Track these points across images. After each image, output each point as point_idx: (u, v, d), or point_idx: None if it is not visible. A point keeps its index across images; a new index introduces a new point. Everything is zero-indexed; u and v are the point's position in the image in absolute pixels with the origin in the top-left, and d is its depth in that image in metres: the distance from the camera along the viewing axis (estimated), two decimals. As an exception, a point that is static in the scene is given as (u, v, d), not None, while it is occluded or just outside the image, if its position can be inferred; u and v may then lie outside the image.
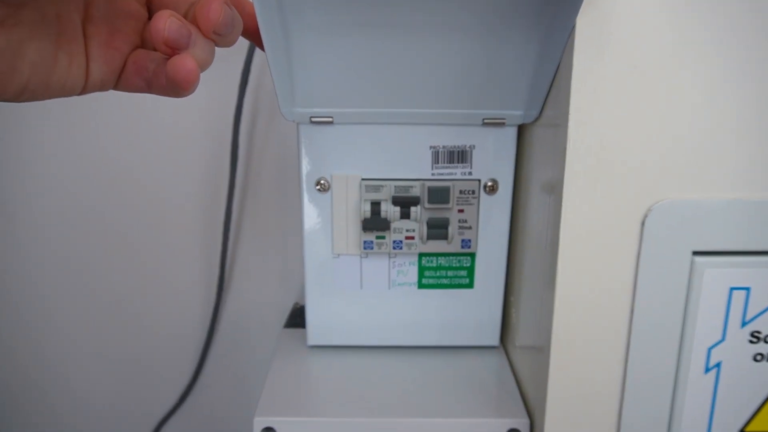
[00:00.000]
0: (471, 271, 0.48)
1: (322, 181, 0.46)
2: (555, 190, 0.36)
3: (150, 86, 0.31)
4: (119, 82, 0.31)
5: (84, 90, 0.30)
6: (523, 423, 0.41)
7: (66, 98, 0.29)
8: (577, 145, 0.34)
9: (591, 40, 0.33)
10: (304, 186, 0.46)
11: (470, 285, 0.48)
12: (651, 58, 0.33)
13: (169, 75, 0.28)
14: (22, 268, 0.67)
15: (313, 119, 0.43)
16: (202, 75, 0.29)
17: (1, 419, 0.73)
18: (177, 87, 0.28)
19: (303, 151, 0.45)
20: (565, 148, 0.34)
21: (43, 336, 0.70)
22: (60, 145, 0.62)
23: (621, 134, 0.34)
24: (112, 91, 0.32)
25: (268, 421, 0.42)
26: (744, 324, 0.36)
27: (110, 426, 0.73)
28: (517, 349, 0.48)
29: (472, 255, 0.47)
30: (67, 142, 0.62)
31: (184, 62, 0.27)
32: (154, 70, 0.30)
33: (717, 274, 0.35)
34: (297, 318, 0.59)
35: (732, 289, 0.35)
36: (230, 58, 0.58)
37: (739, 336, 0.36)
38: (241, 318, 0.67)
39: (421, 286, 0.48)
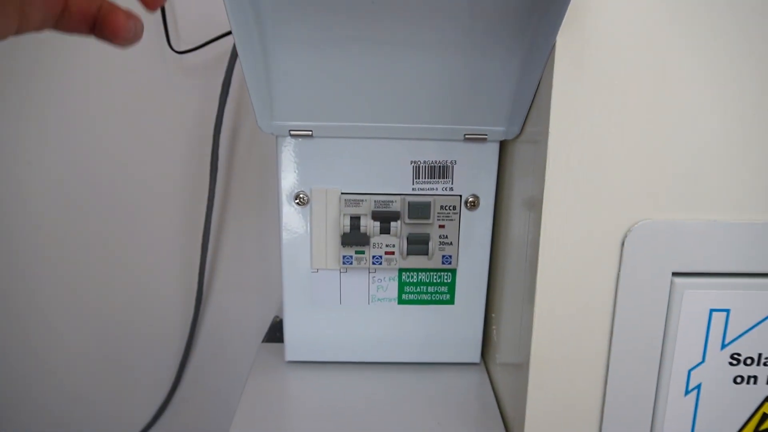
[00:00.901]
0: (452, 287, 0.47)
1: (301, 195, 0.45)
2: (535, 206, 0.36)
3: (92, 30, 0.29)
4: (59, 22, 0.28)
5: (18, 31, 0.28)
6: (501, 443, 0.41)
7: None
8: (557, 162, 0.34)
9: (571, 58, 0.32)
10: (283, 199, 0.45)
11: (451, 301, 0.48)
12: (631, 76, 0.32)
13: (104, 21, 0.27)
14: (7, 288, 0.66)
15: (292, 132, 0.42)
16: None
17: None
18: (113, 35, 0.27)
19: (282, 164, 0.44)
20: (545, 165, 0.34)
21: (14, 348, 0.68)
22: (42, 156, 0.61)
23: (601, 152, 0.33)
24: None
25: (242, 441, 0.41)
26: (724, 346, 0.35)
27: (85, 440, 0.71)
28: (497, 366, 0.47)
29: (453, 271, 0.47)
30: (48, 154, 0.61)
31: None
32: (97, 14, 0.29)
33: (697, 296, 0.35)
34: (276, 332, 0.58)
35: (712, 310, 0.35)
36: (211, 69, 0.57)
37: (719, 358, 0.36)
38: (220, 331, 0.66)
39: (401, 301, 0.48)
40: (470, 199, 0.45)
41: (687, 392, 0.36)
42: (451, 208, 0.45)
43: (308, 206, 0.45)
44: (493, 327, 0.48)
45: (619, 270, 0.35)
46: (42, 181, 0.62)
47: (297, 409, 0.44)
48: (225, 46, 0.55)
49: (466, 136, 0.43)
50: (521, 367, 0.39)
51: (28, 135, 0.60)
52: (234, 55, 0.52)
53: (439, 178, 0.44)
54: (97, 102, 0.59)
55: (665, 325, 0.35)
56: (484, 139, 0.43)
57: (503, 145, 0.44)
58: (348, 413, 0.43)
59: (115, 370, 0.68)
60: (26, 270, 0.65)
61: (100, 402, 0.70)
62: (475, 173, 0.44)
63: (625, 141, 0.33)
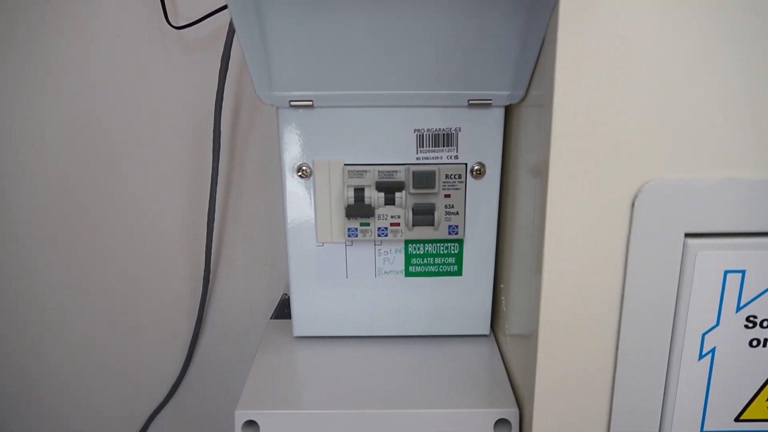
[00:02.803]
0: (459, 258, 0.47)
1: (303, 167, 0.44)
2: (541, 172, 0.35)
3: None
4: None
5: None
6: (512, 413, 0.40)
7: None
8: (563, 123, 0.33)
9: (576, 12, 0.31)
10: (286, 172, 0.44)
11: (459, 272, 0.47)
12: (638, 30, 0.31)
13: None
14: (10, 267, 0.66)
15: (292, 103, 0.42)
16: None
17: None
18: None
19: (283, 136, 0.43)
20: (550, 128, 0.33)
21: (30, 330, 0.68)
22: (40, 137, 0.61)
23: (608, 111, 0.32)
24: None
25: (250, 414, 0.40)
26: (739, 308, 0.34)
27: (101, 420, 0.72)
28: (507, 337, 0.46)
29: (460, 241, 0.46)
30: (47, 135, 0.61)
31: None
32: None
33: (710, 257, 0.33)
34: (285, 309, 0.58)
35: (726, 272, 0.34)
36: (211, 43, 0.57)
37: (734, 321, 0.35)
38: (229, 309, 0.66)
39: (408, 274, 0.47)
40: (476, 168, 0.44)
41: (701, 356, 0.35)
42: (456, 176, 0.44)
43: (311, 179, 0.44)
44: (502, 298, 0.47)
45: (630, 233, 0.34)
46: (40, 162, 0.62)
47: (305, 384, 0.44)
48: (224, 19, 0.54)
49: (470, 102, 0.42)
50: (530, 338, 0.38)
51: (26, 116, 0.60)
52: (232, 28, 0.51)
53: (443, 146, 0.43)
54: (94, 81, 0.58)
55: (678, 288, 0.34)
56: (489, 105, 0.42)
57: (508, 111, 0.43)
58: (356, 387, 0.43)
59: (127, 354, 0.69)
60: (27, 253, 0.65)
61: (112, 385, 0.70)
62: (481, 140, 0.43)
63: (634, 97, 0.32)
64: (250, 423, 0.41)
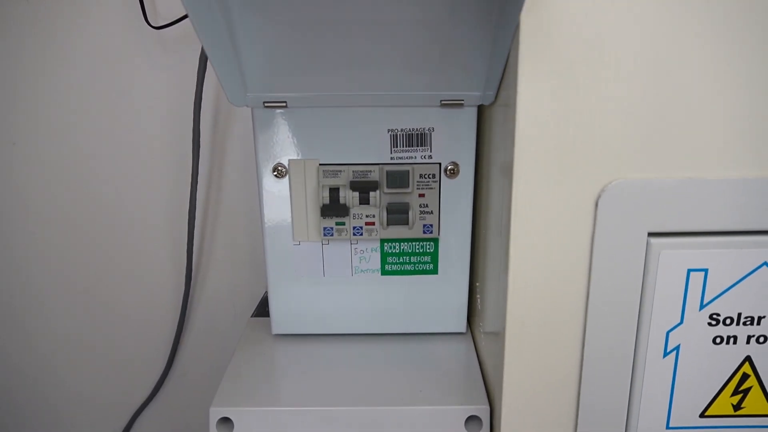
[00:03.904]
0: (435, 256, 0.47)
1: (279, 167, 0.44)
2: (507, 171, 0.35)
3: None
4: None
5: None
6: (483, 410, 0.40)
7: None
8: (527, 123, 0.33)
9: (538, 17, 0.31)
10: (262, 172, 0.45)
11: (434, 271, 0.47)
12: (600, 32, 0.31)
13: None
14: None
15: (267, 104, 0.42)
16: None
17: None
18: None
19: (258, 136, 0.44)
20: (514, 128, 0.33)
21: (14, 329, 0.69)
22: (22, 136, 0.61)
23: (572, 112, 0.33)
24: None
25: (225, 412, 0.41)
26: (702, 306, 0.35)
27: (86, 418, 0.72)
28: (482, 335, 0.47)
29: (435, 240, 0.46)
30: (28, 135, 0.61)
31: None
32: None
33: (674, 256, 0.34)
34: (266, 306, 0.58)
35: (690, 270, 0.34)
36: (189, 42, 0.57)
37: (697, 319, 0.35)
38: (211, 308, 0.66)
39: (384, 272, 0.47)
40: (450, 167, 0.44)
41: (666, 354, 0.36)
42: (430, 176, 0.44)
43: (287, 178, 0.45)
44: (477, 296, 0.48)
45: (594, 232, 0.34)
46: (22, 161, 0.62)
47: (281, 381, 0.45)
48: (203, 19, 0.55)
49: (443, 102, 0.42)
50: (499, 335, 0.38)
51: (8, 115, 0.60)
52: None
53: (417, 146, 0.44)
54: (73, 81, 0.58)
55: (642, 287, 0.35)
56: (461, 105, 0.42)
57: (481, 112, 0.43)
58: (331, 384, 0.44)
59: (111, 352, 0.69)
60: (14, 253, 0.66)
61: (96, 383, 0.71)
62: (454, 140, 0.44)
63: (596, 99, 0.32)
64: (226, 420, 0.41)
